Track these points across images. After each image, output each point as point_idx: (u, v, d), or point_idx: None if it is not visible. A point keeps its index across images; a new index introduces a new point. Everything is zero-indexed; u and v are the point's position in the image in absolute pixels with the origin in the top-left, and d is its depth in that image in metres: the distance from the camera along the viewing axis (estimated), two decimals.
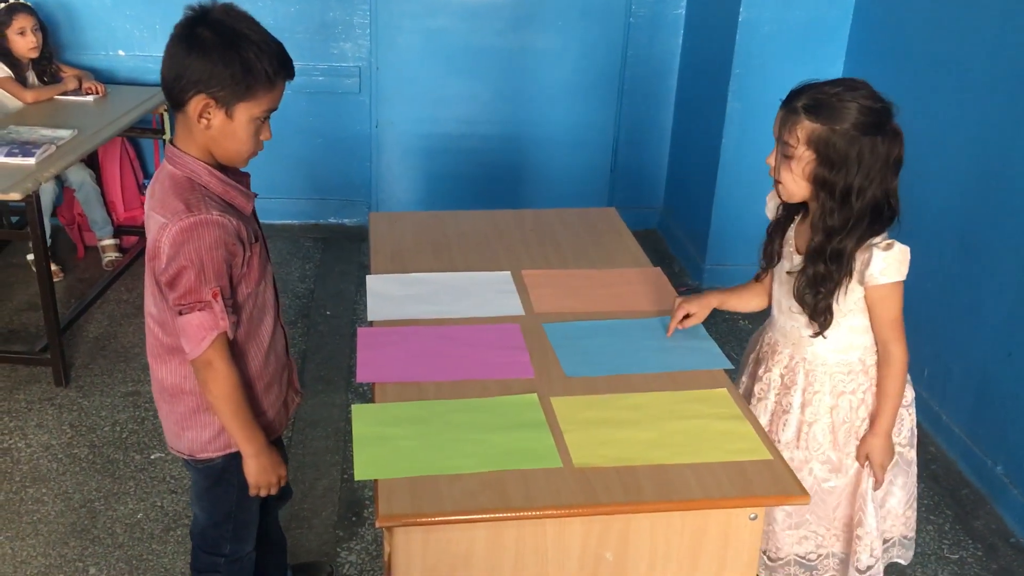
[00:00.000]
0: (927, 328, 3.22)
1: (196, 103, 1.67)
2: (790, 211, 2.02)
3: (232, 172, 1.80)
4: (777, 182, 1.91)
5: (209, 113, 1.68)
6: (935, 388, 3.21)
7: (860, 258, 1.86)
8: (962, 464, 3.05)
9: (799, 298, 1.94)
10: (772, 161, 1.90)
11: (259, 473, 1.85)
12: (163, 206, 1.70)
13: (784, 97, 1.86)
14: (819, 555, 2.09)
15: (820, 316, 1.92)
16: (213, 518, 1.99)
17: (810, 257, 1.90)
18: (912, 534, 2.15)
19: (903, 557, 2.14)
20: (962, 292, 3.08)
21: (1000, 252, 2.89)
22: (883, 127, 1.81)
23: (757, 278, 2.15)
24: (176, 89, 1.68)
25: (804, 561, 2.09)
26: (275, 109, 1.74)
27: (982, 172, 2.99)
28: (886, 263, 1.85)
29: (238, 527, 2.01)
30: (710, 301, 2.12)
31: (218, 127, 1.69)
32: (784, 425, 2.03)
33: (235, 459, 1.87)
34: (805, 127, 1.81)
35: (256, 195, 1.84)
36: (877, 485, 2.00)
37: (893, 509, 2.09)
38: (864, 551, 2.01)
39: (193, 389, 1.82)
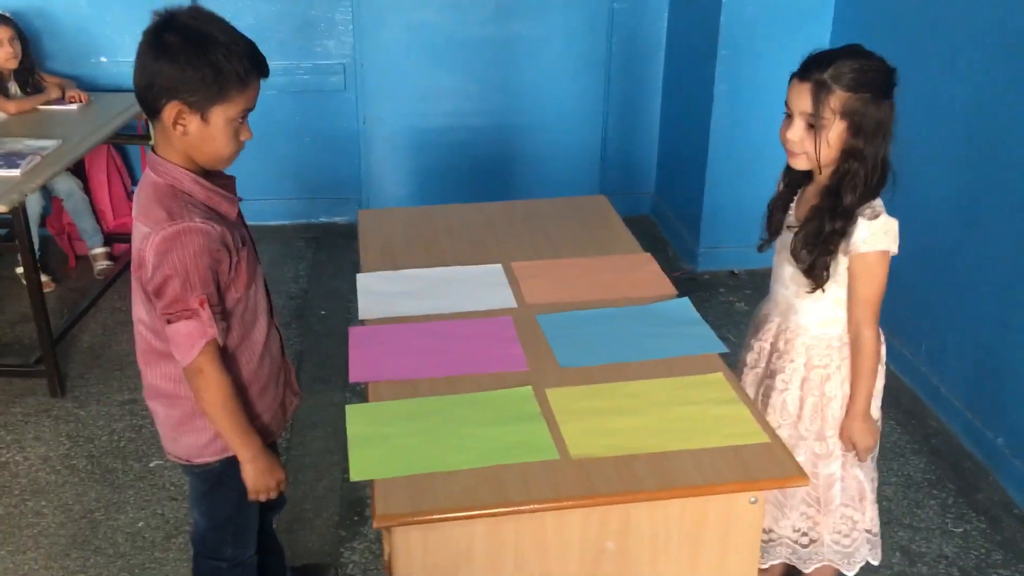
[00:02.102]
0: (924, 301, 3.22)
1: (170, 110, 1.65)
2: (794, 184, 2.04)
3: (216, 176, 1.78)
4: (794, 154, 1.91)
5: (184, 119, 1.66)
6: (933, 361, 3.20)
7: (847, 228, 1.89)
8: (963, 437, 3.05)
9: (795, 254, 1.95)
10: (794, 134, 1.88)
11: (256, 478, 1.84)
12: (146, 215, 1.68)
13: (800, 68, 1.86)
14: (770, 539, 2.10)
15: (819, 271, 1.93)
16: (213, 522, 1.98)
17: (821, 213, 1.90)
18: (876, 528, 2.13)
19: (872, 556, 2.13)
20: (958, 264, 3.07)
21: (996, 223, 2.88)
22: (892, 91, 1.87)
23: (760, 249, 2.16)
24: (149, 97, 1.66)
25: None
26: (252, 108, 1.72)
27: (977, 143, 2.97)
28: (870, 231, 1.88)
29: (238, 531, 1.99)
30: None
31: (195, 132, 1.67)
32: (763, 392, 2.07)
33: (232, 463, 1.86)
34: (839, 97, 1.83)
35: (241, 199, 1.82)
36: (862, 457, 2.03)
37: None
38: (827, 530, 2.05)
39: (187, 394, 1.80)
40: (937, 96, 3.11)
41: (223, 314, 1.74)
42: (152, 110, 1.67)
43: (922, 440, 3.06)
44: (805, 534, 2.07)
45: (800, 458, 2.01)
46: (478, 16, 4.38)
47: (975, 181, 2.97)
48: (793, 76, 1.89)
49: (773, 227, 2.07)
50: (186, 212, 1.67)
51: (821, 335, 2.00)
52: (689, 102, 4.22)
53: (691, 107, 4.17)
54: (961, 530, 2.68)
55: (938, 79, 3.11)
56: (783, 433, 2.02)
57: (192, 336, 1.68)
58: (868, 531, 2.09)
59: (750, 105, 3.87)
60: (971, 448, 3.00)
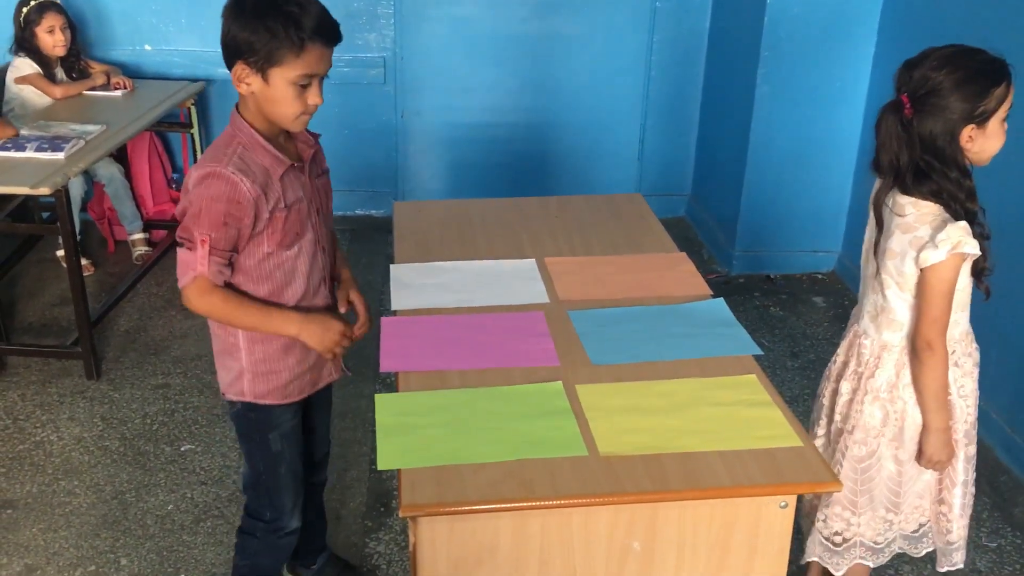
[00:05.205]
0: None
1: (237, 69, 1.76)
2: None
3: (289, 133, 1.87)
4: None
5: (248, 79, 1.75)
6: None
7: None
8: (1000, 451, 2.99)
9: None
10: None
11: (317, 342, 1.89)
12: (204, 155, 1.82)
13: (996, 73, 1.86)
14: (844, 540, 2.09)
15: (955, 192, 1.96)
16: (253, 472, 2.06)
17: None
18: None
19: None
20: (997, 273, 3.00)
21: None
22: None
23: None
24: (225, 56, 1.78)
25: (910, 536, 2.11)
26: (320, 73, 1.78)
27: (1018, 150, 2.91)
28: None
29: (272, 492, 2.05)
30: None
31: (258, 91, 1.77)
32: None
33: (253, 409, 1.95)
34: None
35: (291, 164, 1.85)
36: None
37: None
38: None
39: (218, 331, 1.93)
40: None
41: (230, 262, 1.81)
42: (228, 69, 1.77)
43: None
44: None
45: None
46: (519, 12, 4.38)
47: (1014, 185, 2.91)
48: (1008, 82, 1.86)
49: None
50: (225, 158, 1.77)
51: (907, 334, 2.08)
52: (729, 104, 4.18)
53: (731, 109, 4.13)
54: (995, 545, 2.63)
55: None
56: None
57: (187, 264, 1.80)
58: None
59: (791, 109, 3.82)
60: (1008, 463, 2.94)
